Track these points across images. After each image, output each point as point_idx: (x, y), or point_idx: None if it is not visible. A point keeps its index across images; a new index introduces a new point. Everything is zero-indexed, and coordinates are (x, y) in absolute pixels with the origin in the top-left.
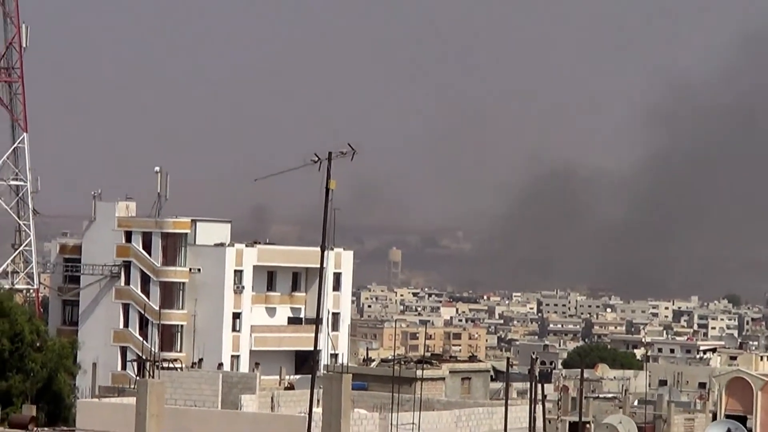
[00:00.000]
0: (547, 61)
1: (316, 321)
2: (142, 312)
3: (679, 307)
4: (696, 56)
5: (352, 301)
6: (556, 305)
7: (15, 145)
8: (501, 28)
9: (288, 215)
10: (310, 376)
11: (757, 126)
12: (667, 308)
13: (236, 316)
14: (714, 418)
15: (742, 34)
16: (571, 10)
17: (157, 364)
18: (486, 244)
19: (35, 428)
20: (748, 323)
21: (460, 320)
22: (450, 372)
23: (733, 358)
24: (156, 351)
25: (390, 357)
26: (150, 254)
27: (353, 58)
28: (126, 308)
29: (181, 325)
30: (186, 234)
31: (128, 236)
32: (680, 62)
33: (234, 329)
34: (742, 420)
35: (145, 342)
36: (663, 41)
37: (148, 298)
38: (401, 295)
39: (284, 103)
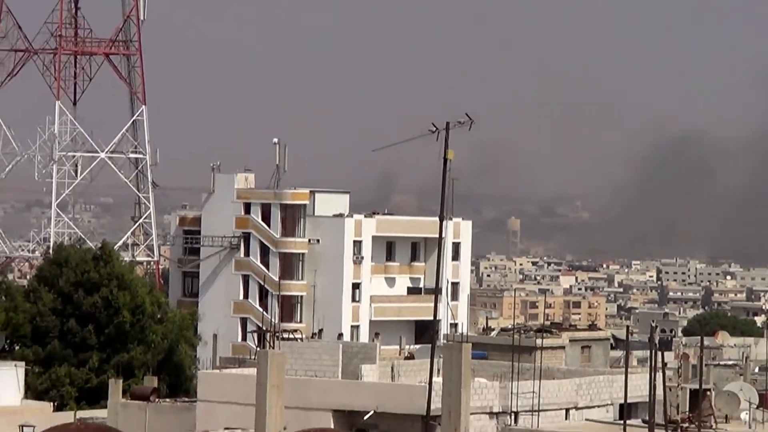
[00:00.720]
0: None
1: (436, 291)
2: (262, 283)
3: None
4: None
5: (471, 271)
6: (675, 273)
7: (134, 118)
8: None
9: (407, 185)
10: (429, 345)
11: None
12: None
13: (356, 286)
14: None
15: None
16: None
17: (277, 335)
18: (605, 212)
19: (156, 399)
20: None
21: (580, 289)
22: (570, 340)
23: None
24: (276, 322)
25: (509, 326)
26: (269, 225)
27: (466, 24)
28: (246, 279)
29: (301, 296)
30: (305, 205)
31: (247, 208)
32: None
33: (353, 300)
34: None
35: (265, 313)
36: None
37: (268, 270)
38: (520, 264)
39: (402, 73)
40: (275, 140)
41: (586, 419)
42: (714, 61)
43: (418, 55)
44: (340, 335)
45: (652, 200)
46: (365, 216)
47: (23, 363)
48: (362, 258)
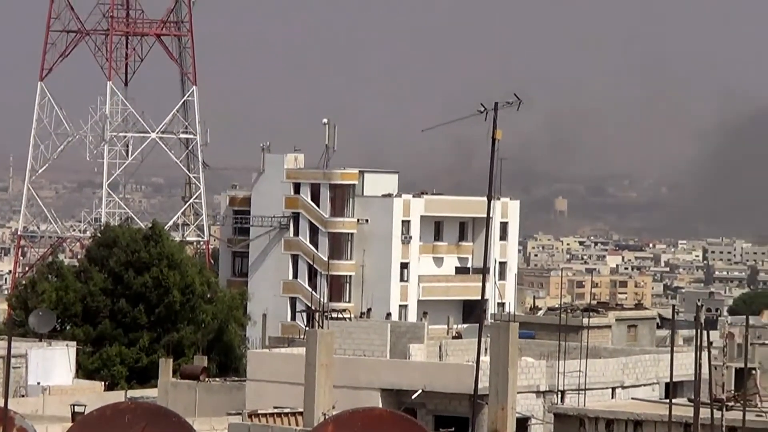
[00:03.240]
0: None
1: (483, 270)
2: (311, 263)
3: None
4: None
5: (519, 251)
6: (721, 252)
7: (184, 98)
8: None
9: (453, 165)
10: (477, 325)
11: None
12: None
13: (404, 266)
14: None
15: None
16: None
17: (326, 314)
18: (652, 191)
19: (207, 379)
20: None
21: (626, 268)
22: (616, 320)
23: None
24: (325, 301)
25: (556, 305)
26: (318, 205)
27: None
28: (295, 259)
29: (350, 276)
30: (354, 185)
31: (297, 188)
32: None
33: (402, 279)
34: None
35: (314, 293)
36: None
37: (317, 249)
38: (567, 244)
39: (457, 52)
40: (324, 120)
41: (632, 398)
42: None
43: (475, 33)
44: (389, 315)
45: (699, 180)
46: (413, 196)
47: (74, 343)
48: (410, 238)
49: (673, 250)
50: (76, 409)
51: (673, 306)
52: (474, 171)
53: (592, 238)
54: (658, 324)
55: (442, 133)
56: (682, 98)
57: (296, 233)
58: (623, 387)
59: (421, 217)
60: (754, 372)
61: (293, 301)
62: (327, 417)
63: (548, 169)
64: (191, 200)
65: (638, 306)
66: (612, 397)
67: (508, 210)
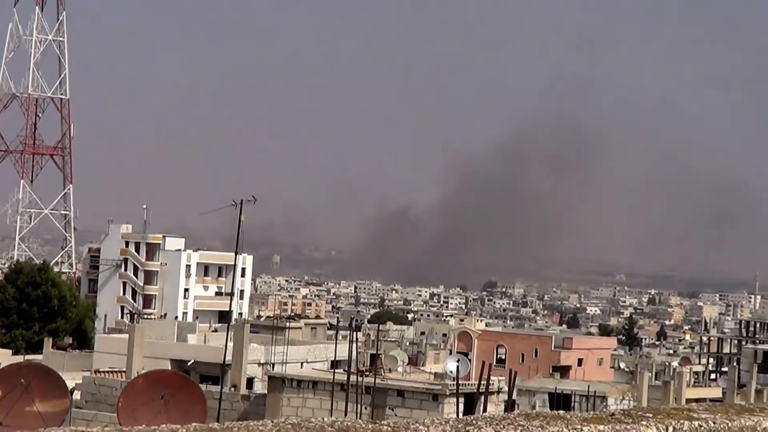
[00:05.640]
0: None
1: (231, 294)
2: (133, 287)
3: (433, 291)
4: None
5: (251, 283)
6: (365, 288)
7: (65, 191)
8: None
9: (217, 234)
10: (227, 324)
11: None
12: (426, 291)
13: (186, 290)
14: (450, 353)
15: None
16: None
17: (140, 316)
18: (327, 253)
19: (72, 350)
20: (470, 301)
21: (311, 296)
22: (305, 324)
23: (462, 320)
24: (140, 309)
25: (271, 315)
26: (139, 254)
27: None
28: (124, 284)
29: (155, 295)
30: (159, 243)
31: (127, 244)
32: None
33: (184, 297)
34: (466, 354)
35: (134, 303)
36: None
37: (137, 279)
38: (279, 281)
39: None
40: (144, 206)
41: (312, 368)
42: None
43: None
44: (176, 317)
45: (361, 248)
46: (193, 250)
47: None
48: (190, 274)
49: (337, 286)
50: None
51: (337, 318)
52: (230, 237)
53: (293, 278)
54: (328, 327)
55: (220, 213)
56: (354, 202)
57: (125, 269)
58: (307, 362)
59: (197, 262)
60: (380, 355)
61: (122, 308)
62: (139, 373)
63: (269, 237)
64: (66, 248)
65: (317, 317)
66: (301, 368)
67: (246, 260)
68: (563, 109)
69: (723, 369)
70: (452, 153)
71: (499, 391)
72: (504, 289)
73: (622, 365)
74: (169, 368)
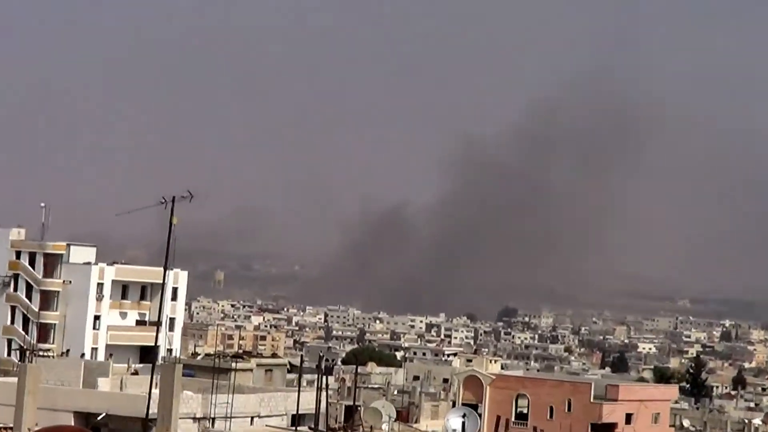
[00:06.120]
0: None
1: (157, 323)
2: (26, 312)
3: (430, 321)
4: None
5: (185, 309)
6: (338, 316)
7: None
8: None
9: (141, 242)
10: (151, 365)
11: None
12: (421, 321)
13: (96, 318)
14: (453, 405)
15: None
16: None
17: (34, 352)
18: (288, 268)
19: None
20: (481, 335)
21: (266, 326)
22: (257, 365)
23: (470, 360)
24: (34, 343)
25: (212, 352)
26: (34, 269)
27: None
28: (13, 309)
29: (55, 324)
30: (62, 254)
31: (18, 254)
32: None
33: (94, 328)
34: (475, 407)
35: (26, 335)
36: None
37: (31, 302)
38: (222, 306)
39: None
40: (42, 204)
41: (266, 425)
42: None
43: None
44: (83, 355)
45: (341, 260)
46: (107, 264)
47: None
48: (103, 296)
49: (302, 313)
50: None
51: (301, 356)
52: (159, 247)
53: (241, 302)
54: (288, 369)
55: (145, 214)
56: (330, 202)
57: (15, 289)
58: (260, 417)
59: (113, 280)
60: (359, 408)
61: (10, 342)
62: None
63: (211, 247)
64: None
65: (274, 355)
66: (251, 424)
67: (179, 278)
68: (600, 83)
69: None
70: (456, 140)
71: None
72: (526, 319)
73: (687, 423)
74: (73, 424)
